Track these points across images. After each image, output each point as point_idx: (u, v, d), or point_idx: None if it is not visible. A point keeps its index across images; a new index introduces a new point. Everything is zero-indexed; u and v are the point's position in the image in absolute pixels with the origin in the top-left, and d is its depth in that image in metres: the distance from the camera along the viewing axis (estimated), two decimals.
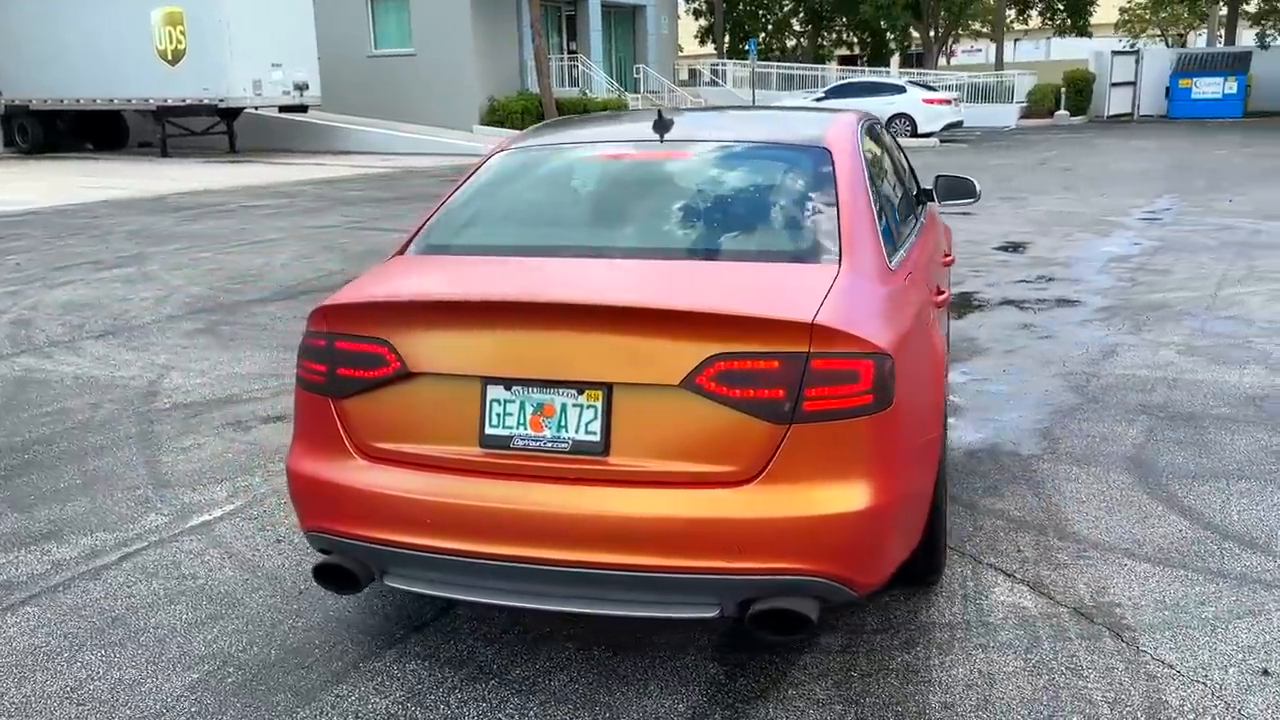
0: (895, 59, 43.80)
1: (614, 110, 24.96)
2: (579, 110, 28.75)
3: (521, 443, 2.73)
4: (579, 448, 2.68)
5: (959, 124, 26.46)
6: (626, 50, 35.54)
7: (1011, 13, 37.84)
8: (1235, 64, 30.51)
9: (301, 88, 25.38)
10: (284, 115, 25.88)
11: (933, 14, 36.24)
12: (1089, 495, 4.14)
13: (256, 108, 24.62)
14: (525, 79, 30.49)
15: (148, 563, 3.78)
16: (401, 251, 3.39)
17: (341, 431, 2.92)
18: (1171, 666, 2.94)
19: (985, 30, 43.86)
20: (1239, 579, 3.43)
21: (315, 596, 3.50)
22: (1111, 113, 32.58)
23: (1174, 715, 2.73)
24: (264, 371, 6.31)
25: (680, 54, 39.29)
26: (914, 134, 25.72)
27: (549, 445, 2.71)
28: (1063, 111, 31.88)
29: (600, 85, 32.35)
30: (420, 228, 3.48)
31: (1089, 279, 8.68)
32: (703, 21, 44.51)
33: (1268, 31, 31.32)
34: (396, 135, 26.29)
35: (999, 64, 36.47)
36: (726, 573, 2.60)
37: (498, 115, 28.78)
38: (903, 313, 3.00)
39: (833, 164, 3.40)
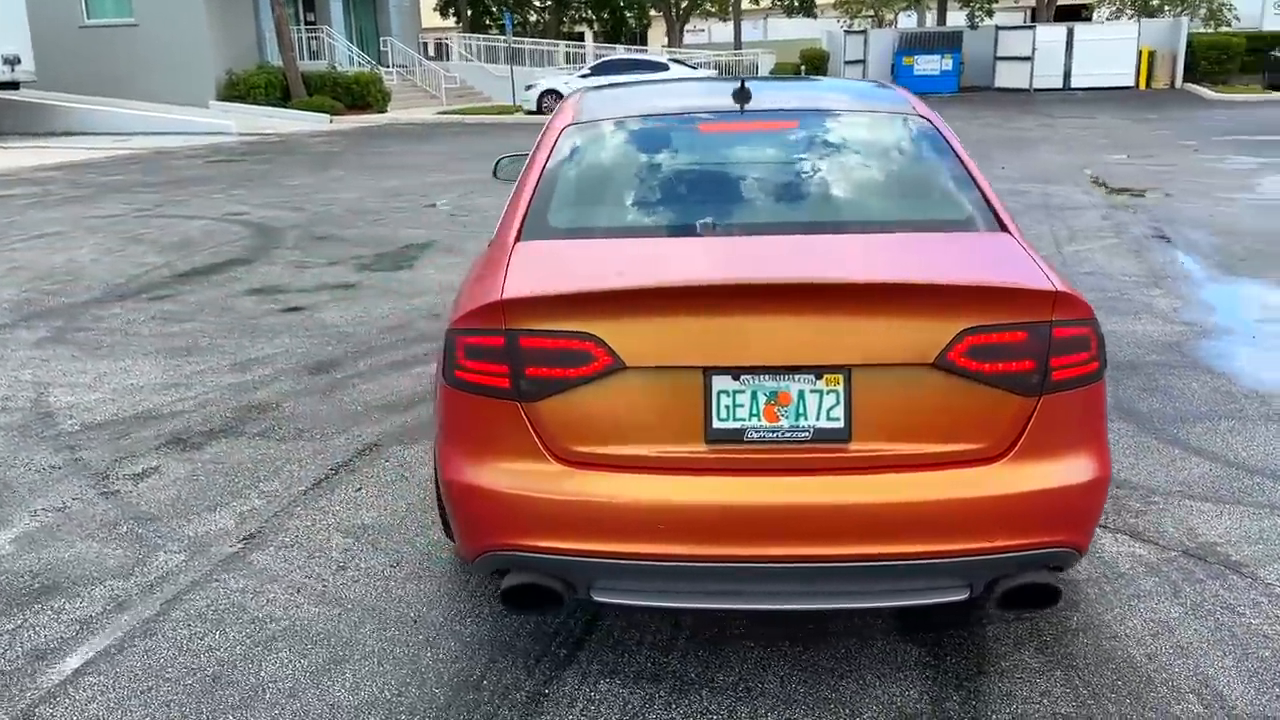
0: (647, 37, 44.71)
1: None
2: (331, 84, 27.34)
3: (756, 435, 2.56)
4: (821, 435, 2.56)
5: None
6: (369, 22, 34.07)
7: None
8: (950, 43, 33.37)
9: (12, 62, 22.59)
10: None
11: None
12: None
13: None
14: (264, 51, 28.58)
15: (202, 608, 3.27)
16: (518, 238, 3.08)
17: (535, 437, 2.63)
18: None
19: (715, 11, 45.54)
20: None
21: (433, 624, 3.15)
22: None
23: None
24: (165, 382, 5.58)
25: (422, 28, 38.06)
26: None
27: (787, 435, 2.56)
28: None
29: (343, 56, 30.87)
30: (524, 211, 3.17)
31: None
32: None
33: (976, 13, 34.44)
34: (123, 114, 23.92)
35: (738, 43, 37.96)
36: (979, 553, 2.56)
37: (238, 89, 26.84)
38: None
39: (939, 131, 3.42)
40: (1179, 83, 31.23)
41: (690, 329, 2.58)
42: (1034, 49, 31.63)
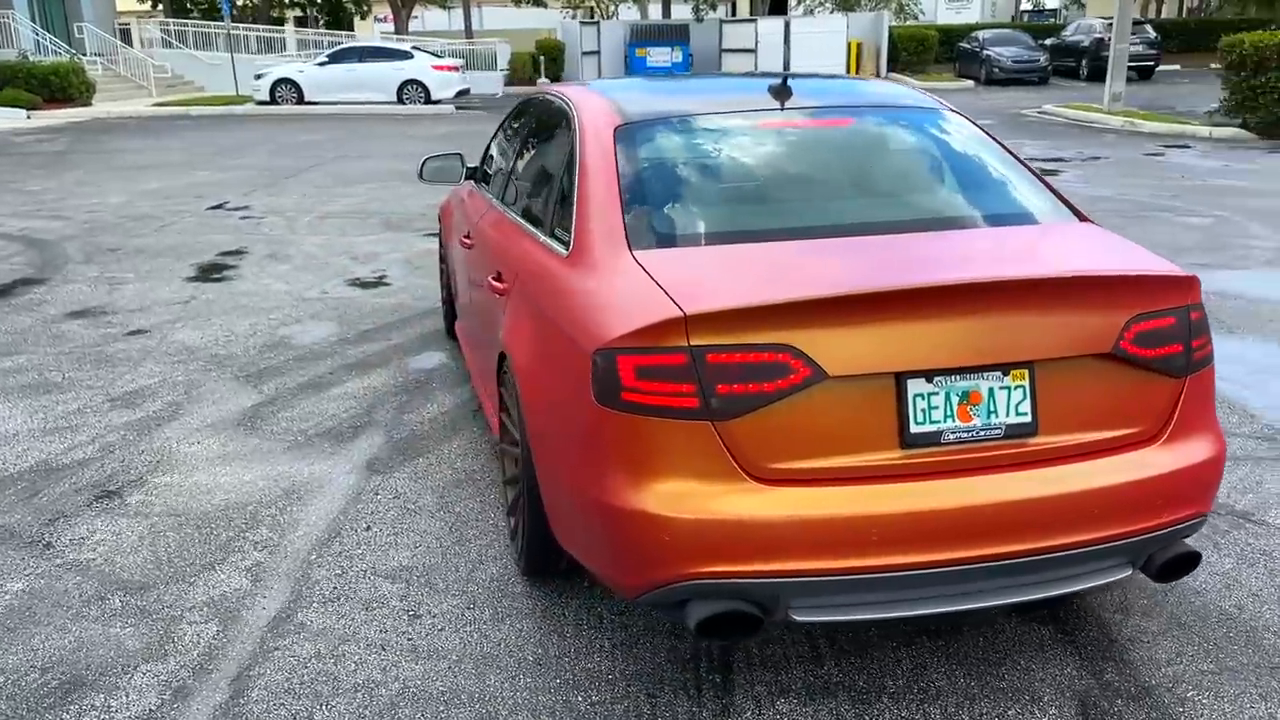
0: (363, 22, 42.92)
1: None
2: (25, 75, 24.37)
3: (953, 436, 2.57)
4: (1012, 431, 2.60)
5: (467, 91, 26.82)
6: (56, 5, 30.69)
7: None
8: (678, 35, 34.49)
9: None
10: None
11: None
12: None
13: None
14: None
15: (284, 683, 2.86)
16: (629, 247, 2.89)
17: (730, 457, 2.51)
18: None
19: None
20: None
21: (560, 665, 2.93)
22: (587, 79, 35.15)
23: None
24: (41, 428, 4.82)
25: (117, 10, 34.73)
26: (428, 101, 25.61)
27: (980, 434, 2.59)
28: (544, 79, 33.66)
29: (31, 44, 27.64)
30: (621, 219, 2.99)
31: None
32: None
33: (701, 6, 35.79)
34: None
35: (468, 32, 37.35)
36: (1149, 530, 2.70)
37: None
38: None
39: (978, 126, 3.54)
40: (884, 72, 33.90)
41: (883, 333, 2.54)
42: (757, 41, 33.29)
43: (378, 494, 4.07)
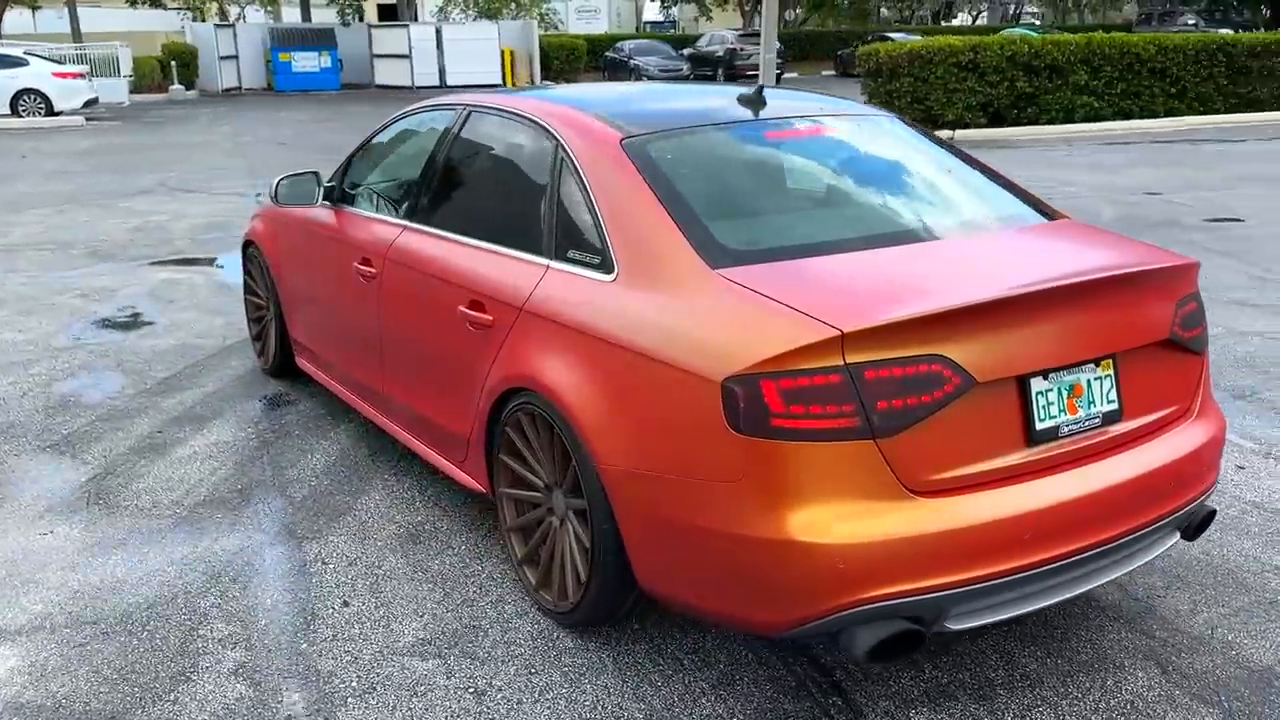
0: None
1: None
2: None
3: (1067, 429, 2.69)
4: (1107, 418, 2.76)
5: (96, 100, 23.98)
6: None
7: None
8: (323, 40, 32.96)
9: None
10: None
11: None
12: None
13: None
14: None
15: None
16: (712, 265, 2.73)
17: (892, 473, 2.46)
18: None
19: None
20: None
21: (663, 714, 2.73)
22: (225, 86, 32.63)
23: None
24: None
25: None
26: (50, 112, 22.64)
27: (1084, 424, 2.72)
28: (178, 85, 30.85)
29: None
30: (684, 237, 2.83)
31: None
32: None
33: (346, 10, 34.41)
34: None
35: (76, 35, 33.40)
36: (1194, 498, 2.95)
37: None
38: None
39: (928, 133, 3.71)
40: (538, 80, 34.51)
41: (1010, 337, 2.60)
42: (411, 47, 32.65)
43: (327, 563, 3.56)
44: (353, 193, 4.57)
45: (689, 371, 2.57)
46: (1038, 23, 44.86)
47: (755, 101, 3.53)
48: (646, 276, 2.85)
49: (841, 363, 2.40)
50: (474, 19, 38.27)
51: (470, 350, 3.40)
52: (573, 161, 3.22)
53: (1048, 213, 3.36)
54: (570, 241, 3.14)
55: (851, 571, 2.43)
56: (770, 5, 21.09)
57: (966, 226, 3.19)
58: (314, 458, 4.47)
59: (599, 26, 53.03)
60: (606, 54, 34.79)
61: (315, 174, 4.65)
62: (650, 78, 31.40)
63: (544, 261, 3.20)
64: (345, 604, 3.31)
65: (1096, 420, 2.73)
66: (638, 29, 57.86)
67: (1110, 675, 2.91)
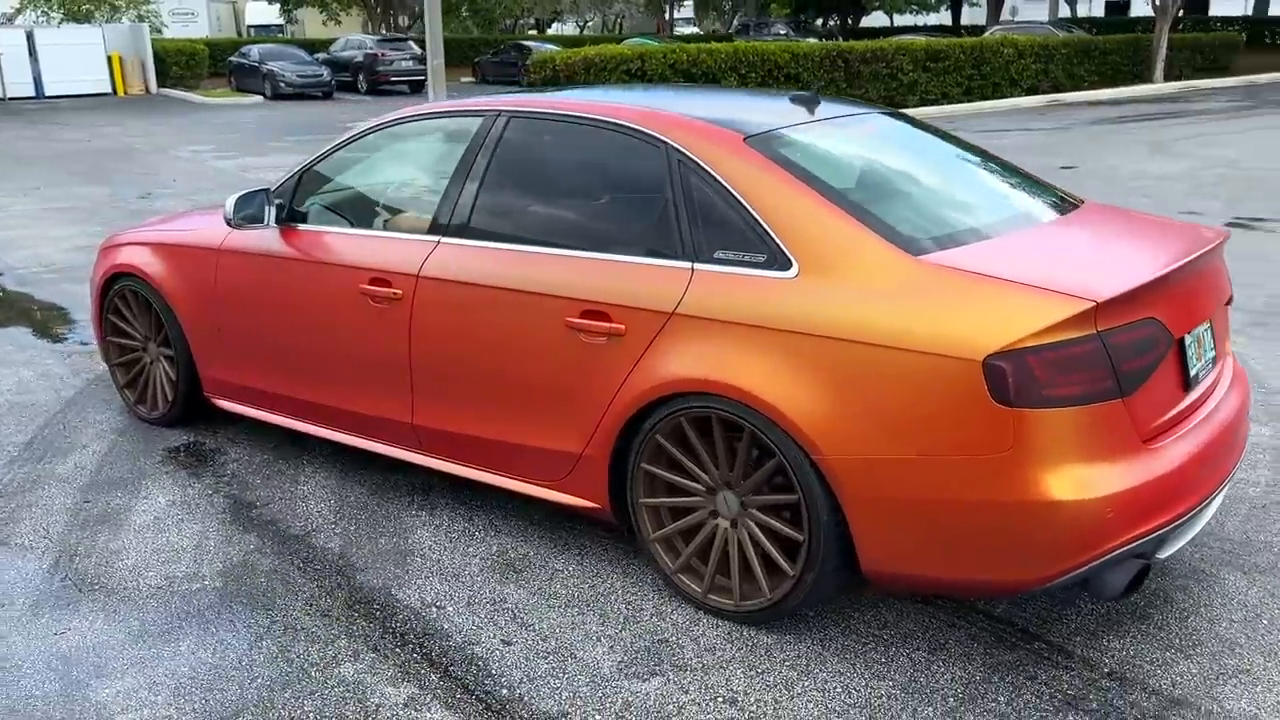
0: None
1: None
2: None
3: (1201, 375, 3.15)
4: (1209, 364, 3.26)
5: None
6: None
7: None
8: None
9: None
10: None
11: None
12: None
13: None
14: None
15: None
16: (909, 254, 2.90)
17: (1134, 429, 2.79)
18: None
19: None
20: None
21: (905, 694, 2.87)
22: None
23: None
24: None
25: None
26: None
27: (1205, 370, 3.20)
28: None
29: None
30: (870, 228, 2.97)
31: None
32: None
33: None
34: None
35: None
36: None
37: None
38: None
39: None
40: (154, 88, 31.55)
41: (1178, 301, 3.02)
42: None
43: (442, 608, 3.28)
44: (325, 210, 4.15)
45: (940, 355, 2.72)
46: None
47: (812, 101, 3.70)
48: (837, 270, 2.94)
49: (1094, 331, 2.68)
50: (59, 24, 34.03)
51: (587, 362, 3.28)
52: (696, 163, 3.21)
53: (1071, 199, 3.84)
54: (717, 242, 3.14)
55: (1113, 520, 2.72)
56: (434, 10, 20.98)
57: (1050, 210, 3.56)
58: (315, 504, 4.03)
59: (198, 30, 49.28)
60: (230, 59, 32.35)
61: (265, 191, 4.17)
62: (289, 84, 29.51)
63: (685, 265, 3.17)
64: (506, 643, 3.09)
65: (1208, 366, 3.22)
66: (239, 33, 54.49)
67: (1201, 619, 3.43)
